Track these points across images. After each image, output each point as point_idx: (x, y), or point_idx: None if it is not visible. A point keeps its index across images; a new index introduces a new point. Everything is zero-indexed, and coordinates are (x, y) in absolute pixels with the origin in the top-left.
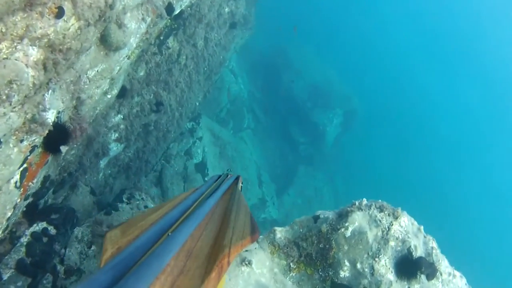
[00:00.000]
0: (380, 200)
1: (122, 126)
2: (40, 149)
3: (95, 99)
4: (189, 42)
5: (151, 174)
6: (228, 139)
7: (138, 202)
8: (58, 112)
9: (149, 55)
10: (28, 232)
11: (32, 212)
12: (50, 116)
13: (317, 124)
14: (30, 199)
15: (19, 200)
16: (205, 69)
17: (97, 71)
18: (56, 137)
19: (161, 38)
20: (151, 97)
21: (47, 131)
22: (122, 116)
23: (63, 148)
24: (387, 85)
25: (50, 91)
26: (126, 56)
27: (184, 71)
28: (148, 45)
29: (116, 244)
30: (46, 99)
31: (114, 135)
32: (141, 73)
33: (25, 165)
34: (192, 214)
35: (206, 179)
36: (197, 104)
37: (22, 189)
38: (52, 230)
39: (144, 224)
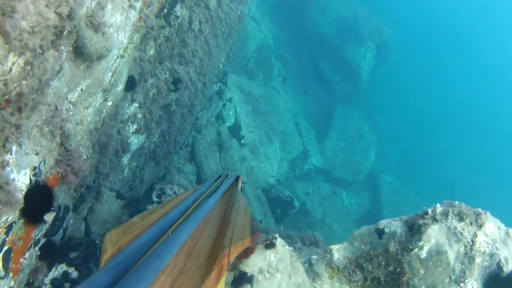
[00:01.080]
0: (457, 202)
1: (139, 115)
2: (21, 221)
3: (88, 121)
4: (199, 5)
5: (183, 150)
6: (259, 93)
7: (170, 198)
8: (34, 168)
9: (157, 30)
10: (47, 280)
11: (48, 254)
12: (21, 182)
13: (349, 61)
14: (43, 240)
15: (13, 283)
16: (223, 29)
17: (81, 89)
18: (35, 204)
19: (165, 10)
20: (167, 75)
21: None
22: (137, 105)
23: (48, 217)
24: (420, 12)
25: (13, 150)
26: (118, 56)
27: (200, 38)
28: (153, 21)
29: (116, 244)
30: (10, 163)
31: (133, 127)
32: (151, 52)
33: (6, 247)
34: (192, 214)
35: (242, 142)
36: (221, 66)
37: (11, 273)
38: (73, 273)
39: (144, 224)
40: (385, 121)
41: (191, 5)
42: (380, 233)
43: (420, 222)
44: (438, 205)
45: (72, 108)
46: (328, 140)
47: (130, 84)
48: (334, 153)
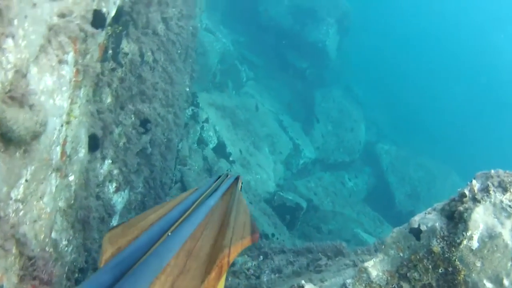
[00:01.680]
0: (493, 171)
1: (115, 172)
2: None
3: (48, 212)
4: (147, 34)
5: (173, 188)
6: (234, 103)
7: None
8: None
9: (108, 74)
10: None
11: None
12: None
13: (314, 43)
14: None
15: None
16: (179, 51)
17: (26, 180)
18: None
19: (110, 51)
20: (133, 118)
21: None
22: (110, 161)
23: None
24: None
25: None
26: (62, 124)
27: (157, 68)
28: (98, 68)
29: (116, 244)
30: None
31: (112, 186)
32: (108, 100)
33: None
34: (192, 214)
35: (231, 159)
36: (187, 89)
37: None
38: None
39: (144, 224)
40: (365, 92)
41: (138, 37)
42: (417, 233)
43: (461, 208)
44: (473, 181)
45: (21, 206)
46: (315, 128)
47: (94, 144)
48: (324, 139)
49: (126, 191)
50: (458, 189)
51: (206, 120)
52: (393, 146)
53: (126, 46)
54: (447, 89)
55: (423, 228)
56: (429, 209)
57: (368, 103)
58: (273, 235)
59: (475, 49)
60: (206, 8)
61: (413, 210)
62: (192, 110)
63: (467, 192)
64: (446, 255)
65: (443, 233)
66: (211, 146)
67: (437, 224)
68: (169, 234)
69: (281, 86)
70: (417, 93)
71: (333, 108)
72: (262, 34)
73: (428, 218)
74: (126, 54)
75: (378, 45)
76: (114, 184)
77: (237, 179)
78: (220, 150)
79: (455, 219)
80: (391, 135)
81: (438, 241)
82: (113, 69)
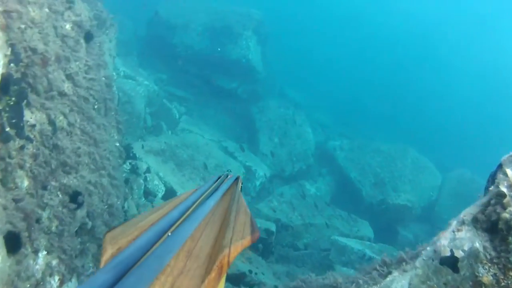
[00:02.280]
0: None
1: (54, 262)
2: None
3: None
4: (52, 97)
5: None
6: (173, 143)
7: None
8: None
9: (16, 155)
10: None
11: None
12: None
13: (238, 60)
14: None
15: None
16: (96, 106)
17: None
18: None
19: (8, 128)
20: (60, 196)
21: None
22: (45, 252)
23: None
24: None
25: None
26: None
27: (74, 131)
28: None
29: (116, 245)
30: None
31: (55, 281)
32: (25, 183)
33: None
34: (192, 215)
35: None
36: (117, 144)
37: None
38: None
39: (144, 225)
40: (300, 94)
41: (42, 103)
42: (452, 262)
43: (506, 215)
44: (507, 170)
45: None
46: (262, 145)
47: (14, 244)
48: (274, 153)
49: (73, 280)
50: (490, 188)
51: (148, 170)
52: (344, 139)
53: (31, 116)
54: (375, 69)
55: (458, 254)
56: (453, 223)
57: (306, 104)
58: (250, 271)
59: (392, 27)
60: (119, 54)
61: (384, 198)
62: (130, 163)
63: (504, 190)
64: (503, 283)
65: (490, 254)
66: (160, 195)
67: (476, 244)
68: (169, 234)
69: (217, 113)
70: (348, 80)
71: (275, 119)
72: (183, 66)
73: (460, 239)
74: (33, 125)
75: (299, 45)
76: (57, 277)
77: (237, 179)
78: (170, 195)
79: (502, 232)
80: (338, 129)
81: (486, 267)
82: (21, 147)
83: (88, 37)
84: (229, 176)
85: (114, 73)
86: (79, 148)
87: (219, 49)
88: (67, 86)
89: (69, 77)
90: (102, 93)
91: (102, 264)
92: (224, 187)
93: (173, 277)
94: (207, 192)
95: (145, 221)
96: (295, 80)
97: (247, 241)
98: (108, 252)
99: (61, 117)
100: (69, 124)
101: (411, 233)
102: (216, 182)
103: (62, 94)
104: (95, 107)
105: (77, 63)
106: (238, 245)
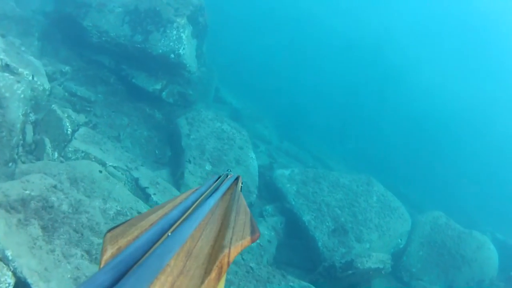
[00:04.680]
0: None
1: None
2: None
3: None
4: None
5: None
6: (45, 186)
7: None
8: None
9: None
10: None
11: None
12: None
13: (164, 55)
14: None
15: None
16: None
17: None
18: None
19: None
20: None
21: None
22: None
23: None
24: None
25: None
26: None
27: None
28: None
29: (116, 245)
30: None
31: None
32: None
33: None
34: (192, 214)
35: None
36: None
37: None
38: None
39: (144, 225)
40: (240, 99)
41: None
42: None
43: None
44: None
45: None
46: (188, 174)
47: None
48: (211, 173)
49: None
50: None
51: None
52: (294, 166)
53: None
54: (328, 75)
55: None
56: None
57: (246, 114)
58: None
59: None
60: (7, 33)
61: (347, 252)
62: None
63: None
64: None
65: None
66: None
67: None
68: (169, 234)
69: (132, 122)
70: (293, 87)
71: (208, 137)
72: (95, 57)
73: None
74: None
75: (244, 41)
76: None
77: (237, 179)
78: None
79: None
80: (284, 145)
81: None
82: None
83: None
84: (229, 176)
85: None
86: None
87: (140, 38)
88: None
89: None
90: None
91: (102, 264)
92: (224, 187)
93: (173, 277)
94: (207, 192)
95: (145, 220)
96: (235, 83)
97: (247, 241)
98: (108, 252)
99: None
100: None
101: None
102: (216, 182)
103: None
104: None
105: None
106: (238, 245)
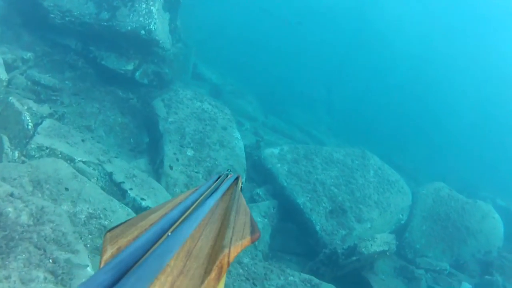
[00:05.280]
0: None
1: None
2: None
3: None
4: None
5: None
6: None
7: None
8: None
9: None
10: None
11: None
12: None
13: (134, 32)
14: None
15: None
16: None
17: None
18: None
19: None
20: None
21: None
22: None
23: None
24: None
25: None
26: None
27: None
28: None
29: (116, 244)
30: None
31: None
32: None
33: None
34: (192, 214)
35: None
36: None
37: None
38: None
39: (144, 224)
40: (219, 74)
41: None
42: None
43: None
44: None
45: None
46: (167, 160)
47: None
48: (186, 175)
49: None
50: None
51: None
52: (283, 143)
53: None
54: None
55: None
56: None
57: (227, 89)
58: None
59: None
60: None
61: (348, 233)
62: None
63: None
64: None
65: None
66: None
67: None
68: (169, 234)
69: (104, 109)
70: (276, 57)
71: (187, 119)
72: (59, 40)
73: None
74: None
75: (220, 13)
76: None
77: (237, 179)
78: None
79: None
80: (270, 121)
81: None
82: None
83: None
84: (229, 176)
85: None
86: None
87: (107, 15)
88: None
89: None
90: None
91: (102, 264)
92: (224, 187)
93: (173, 277)
94: (207, 192)
95: (145, 220)
96: (213, 58)
97: (247, 241)
98: (108, 252)
99: None
100: None
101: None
102: (216, 182)
103: None
104: None
105: None
106: (238, 245)
